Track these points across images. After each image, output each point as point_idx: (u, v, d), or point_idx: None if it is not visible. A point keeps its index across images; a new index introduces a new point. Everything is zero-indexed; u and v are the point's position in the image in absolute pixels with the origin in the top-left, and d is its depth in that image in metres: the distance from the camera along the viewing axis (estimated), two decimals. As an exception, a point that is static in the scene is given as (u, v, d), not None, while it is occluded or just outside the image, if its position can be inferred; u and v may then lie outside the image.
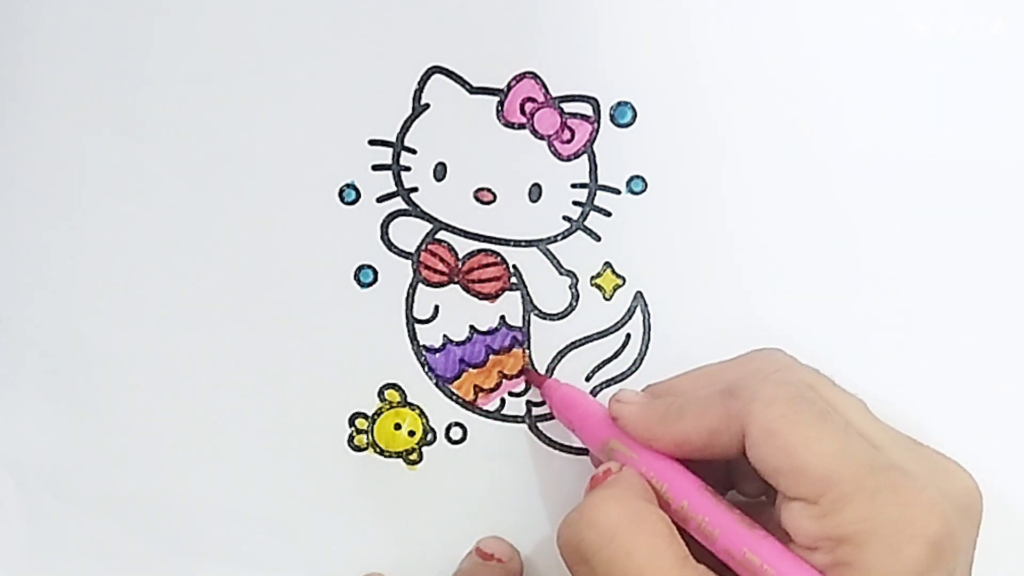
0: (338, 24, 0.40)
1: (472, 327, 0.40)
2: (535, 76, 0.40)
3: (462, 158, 0.40)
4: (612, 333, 0.40)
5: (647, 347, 0.40)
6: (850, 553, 0.29)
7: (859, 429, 0.32)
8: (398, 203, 0.40)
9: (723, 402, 0.32)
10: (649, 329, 0.40)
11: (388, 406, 0.40)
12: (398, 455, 0.40)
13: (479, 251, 0.40)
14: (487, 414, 0.40)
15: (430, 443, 0.40)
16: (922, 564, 0.29)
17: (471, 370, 0.40)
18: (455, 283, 0.40)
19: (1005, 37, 0.40)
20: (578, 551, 0.32)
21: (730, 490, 0.36)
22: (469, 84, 0.40)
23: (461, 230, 0.40)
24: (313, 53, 0.40)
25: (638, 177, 0.40)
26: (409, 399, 0.40)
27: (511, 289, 0.40)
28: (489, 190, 0.40)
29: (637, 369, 0.40)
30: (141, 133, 0.40)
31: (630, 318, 0.40)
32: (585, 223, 0.40)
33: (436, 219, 0.40)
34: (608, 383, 0.40)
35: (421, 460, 0.40)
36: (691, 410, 0.33)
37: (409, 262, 0.40)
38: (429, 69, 0.40)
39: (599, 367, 0.40)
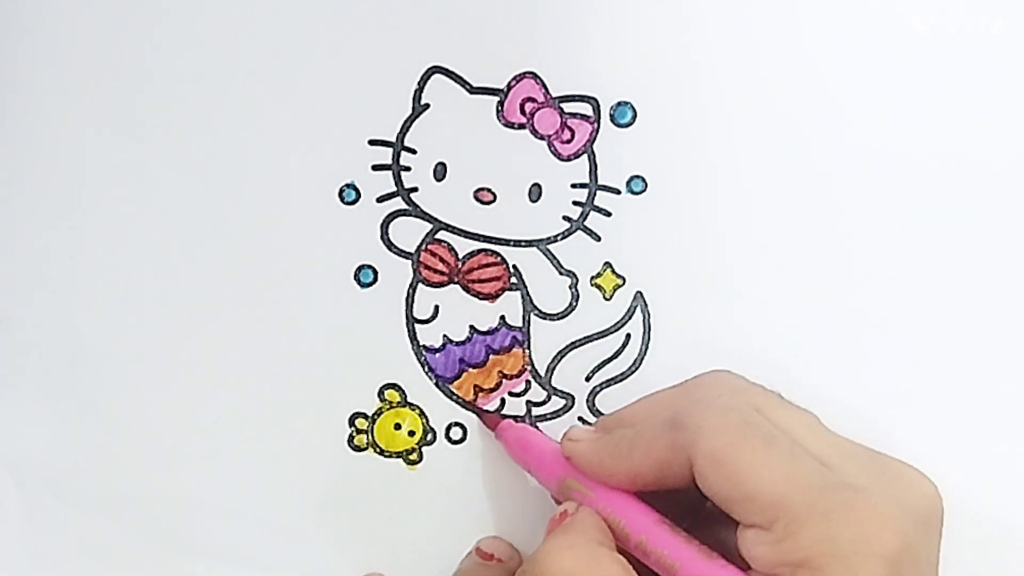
0: (338, 24, 0.40)
1: (472, 327, 0.40)
2: (535, 76, 0.40)
3: (462, 158, 0.40)
4: (612, 333, 0.40)
5: (647, 347, 0.40)
6: None
7: (810, 448, 0.31)
8: (398, 203, 0.40)
9: (669, 434, 0.32)
10: (649, 329, 0.40)
11: (388, 406, 0.40)
12: (398, 455, 0.40)
13: (479, 251, 0.40)
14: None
15: (430, 443, 0.40)
16: None
17: (471, 370, 0.40)
18: (455, 283, 0.40)
19: (1005, 37, 0.40)
20: None
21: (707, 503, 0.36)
22: (469, 84, 0.40)
23: (461, 230, 0.40)
24: (313, 53, 0.40)
25: (638, 177, 0.40)
26: (409, 399, 0.40)
27: (511, 289, 0.40)
28: (489, 190, 0.40)
29: (637, 369, 0.40)
30: (141, 133, 0.40)
31: (630, 318, 0.40)
32: (585, 223, 0.40)
33: (436, 219, 0.40)
34: (608, 383, 0.40)
35: (421, 460, 0.40)
36: (640, 444, 0.33)
37: (409, 262, 0.40)
38: (429, 69, 0.40)
39: (599, 367, 0.40)
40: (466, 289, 0.40)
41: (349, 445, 0.40)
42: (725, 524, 0.32)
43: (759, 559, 0.30)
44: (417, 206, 0.40)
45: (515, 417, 0.40)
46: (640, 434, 0.33)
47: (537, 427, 0.40)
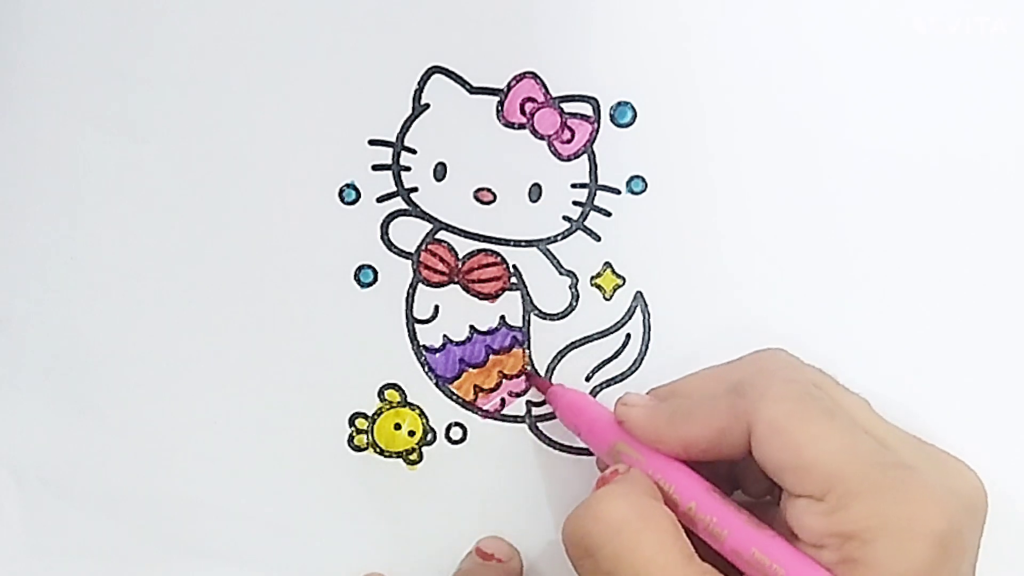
0: (338, 24, 0.40)
1: (472, 327, 0.40)
2: (535, 76, 0.40)
3: (462, 158, 0.40)
4: (612, 333, 0.40)
5: (647, 347, 0.40)
6: (857, 550, 0.29)
7: (865, 427, 0.32)
8: (398, 203, 0.40)
9: (729, 401, 0.32)
10: (649, 329, 0.40)
11: (388, 406, 0.40)
12: (398, 455, 0.40)
13: (479, 251, 0.40)
14: (487, 414, 0.40)
15: (430, 443, 0.40)
16: (929, 561, 0.29)
17: (471, 370, 0.40)
18: (455, 283, 0.40)
19: (1005, 37, 0.40)
20: (583, 545, 0.32)
21: (735, 491, 0.36)
22: (469, 84, 0.40)
23: (461, 230, 0.40)
24: (313, 53, 0.40)
25: (638, 177, 0.40)
26: (409, 399, 0.40)
27: (511, 289, 0.40)
28: (489, 190, 0.40)
29: (637, 369, 0.40)
30: (141, 133, 0.40)
31: (630, 318, 0.40)
32: (585, 223, 0.40)
33: (436, 219, 0.40)
34: (608, 383, 0.40)
35: (421, 460, 0.40)
36: (698, 411, 0.33)
37: (409, 262, 0.40)
38: (429, 69, 0.40)
39: (599, 367, 0.40)
40: (466, 289, 0.40)
41: (349, 445, 0.40)
42: (762, 509, 0.32)
43: (809, 529, 0.30)
44: (417, 206, 0.40)
45: (515, 417, 0.40)
46: (699, 401, 0.34)
47: (538, 427, 0.40)
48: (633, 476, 0.34)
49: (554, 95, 0.40)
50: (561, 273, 0.40)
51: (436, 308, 0.40)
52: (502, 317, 0.40)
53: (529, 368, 0.40)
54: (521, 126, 0.40)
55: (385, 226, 0.40)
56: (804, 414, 0.31)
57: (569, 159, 0.40)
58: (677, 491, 0.33)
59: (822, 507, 0.30)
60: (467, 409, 0.40)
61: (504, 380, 0.40)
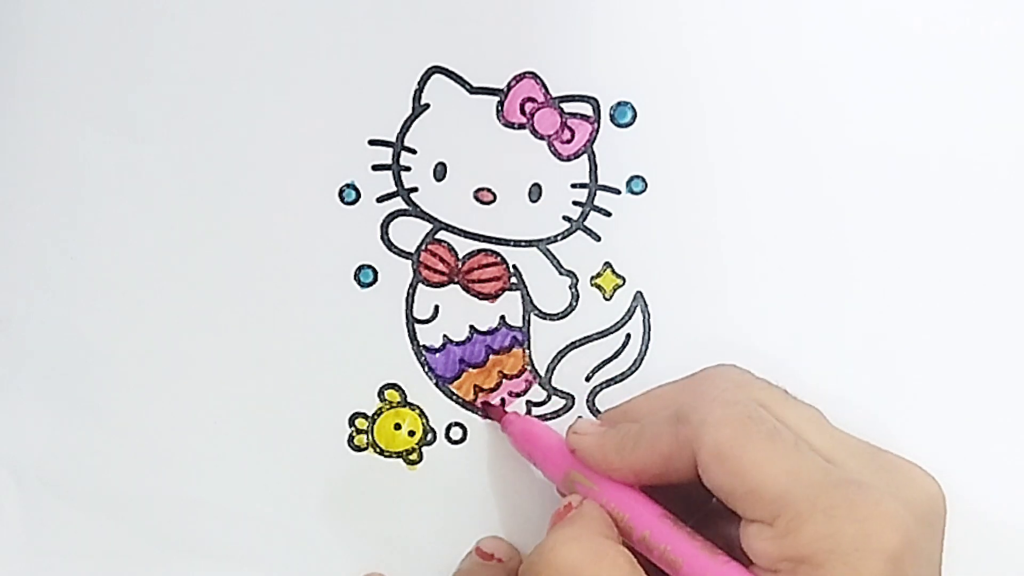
0: (338, 24, 0.40)
1: (472, 327, 0.40)
2: (535, 76, 0.40)
3: (462, 158, 0.40)
4: (612, 333, 0.40)
5: (647, 347, 0.40)
6: (810, 573, 0.29)
7: (813, 443, 0.31)
8: (398, 203, 0.40)
9: (673, 428, 0.32)
10: (649, 329, 0.40)
11: (388, 406, 0.40)
12: (398, 455, 0.40)
13: (479, 251, 0.40)
14: (487, 414, 0.40)
15: (430, 443, 0.40)
16: None
17: (471, 370, 0.40)
18: (455, 283, 0.40)
19: (1005, 37, 0.40)
20: None
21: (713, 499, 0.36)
22: (469, 84, 0.40)
23: (461, 230, 0.40)
24: (313, 53, 0.40)
25: (638, 177, 0.40)
26: (409, 399, 0.40)
27: (511, 289, 0.40)
28: (489, 190, 0.40)
29: (637, 369, 0.40)
30: (141, 133, 0.40)
31: (630, 318, 0.40)
32: (585, 223, 0.40)
33: (436, 219, 0.40)
34: (608, 383, 0.40)
35: (421, 460, 0.40)
36: (644, 438, 0.33)
37: (409, 262, 0.40)
38: (429, 69, 0.40)
39: (599, 367, 0.40)
40: (466, 289, 0.40)
41: (349, 445, 0.40)
42: (729, 520, 0.32)
43: (761, 554, 0.30)
44: (417, 206, 0.40)
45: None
46: (644, 428, 0.33)
47: (537, 427, 0.40)
48: (585, 513, 0.33)
49: (554, 95, 0.40)
50: (561, 273, 0.40)
51: (436, 308, 0.40)
52: (502, 317, 0.40)
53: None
54: (521, 126, 0.40)
55: (385, 226, 0.40)
56: (746, 439, 0.31)
57: (569, 159, 0.40)
58: (631, 520, 0.33)
59: (772, 532, 0.30)
60: (467, 409, 0.40)
61: (504, 380, 0.40)
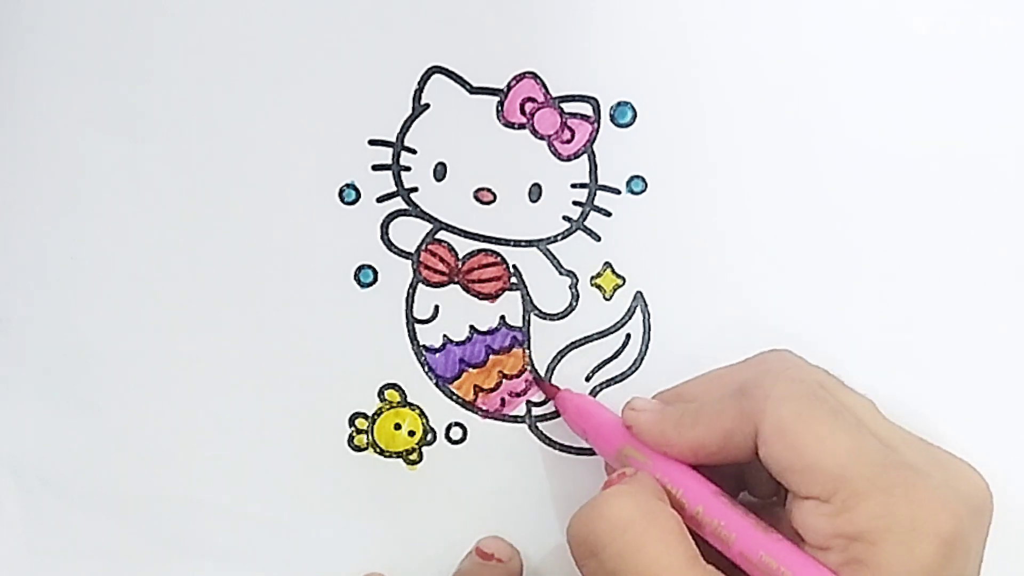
0: (338, 24, 0.40)
1: (472, 327, 0.40)
2: (535, 76, 0.40)
3: (462, 158, 0.40)
4: (612, 333, 0.40)
5: (647, 347, 0.40)
6: (863, 551, 0.29)
7: (870, 428, 0.32)
8: (398, 203, 0.40)
9: (736, 402, 0.33)
10: (649, 329, 0.40)
11: (388, 406, 0.40)
12: (398, 455, 0.40)
13: (479, 251, 0.40)
14: (487, 414, 0.40)
15: (430, 443, 0.40)
16: (935, 562, 0.29)
17: (471, 370, 0.40)
18: (455, 283, 0.40)
19: (1005, 37, 0.40)
20: (587, 544, 0.32)
21: (741, 492, 0.36)
22: (469, 84, 0.40)
23: (461, 230, 0.40)
24: (313, 53, 0.40)
25: (638, 177, 0.40)
26: (409, 399, 0.40)
27: (511, 289, 0.40)
28: (489, 190, 0.40)
29: (637, 369, 0.40)
30: (141, 133, 0.40)
31: (630, 318, 0.40)
32: (585, 223, 0.40)
33: (436, 219, 0.40)
34: (608, 383, 0.40)
35: (421, 460, 0.40)
36: (705, 414, 0.33)
37: (409, 262, 0.40)
38: (429, 69, 0.40)
39: (599, 367, 0.40)
40: (466, 289, 0.40)
41: (349, 445, 0.40)
42: (767, 509, 0.32)
43: (814, 530, 0.30)
44: (417, 206, 0.40)
45: (515, 417, 0.40)
46: (706, 404, 0.34)
47: (538, 427, 0.40)
48: (640, 478, 0.34)
49: (554, 95, 0.40)
50: (561, 273, 0.40)
51: (436, 308, 0.40)
52: (502, 317, 0.40)
53: (532, 372, 0.40)
54: (521, 126, 0.40)
55: (385, 226, 0.40)
56: (810, 415, 0.31)
57: (569, 159, 0.40)
58: (685, 495, 0.33)
59: (828, 508, 0.30)
60: (467, 409, 0.40)
61: (504, 380, 0.40)
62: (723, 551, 0.32)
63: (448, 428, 0.40)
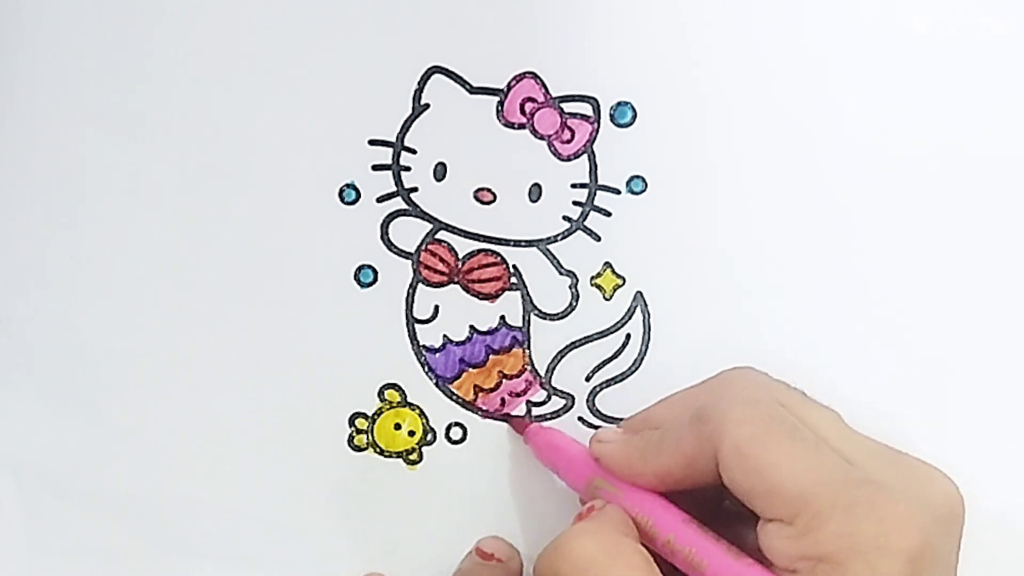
0: (338, 24, 0.40)
1: (472, 327, 0.40)
2: (535, 76, 0.40)
3: (462, 158, 0.40)
4: (612, 333, 0.40)
5: (647, 347, 0.40)
6: (829, 572, 0.29)
7: (833, 444, 0.31)
8: (398, 203, 0.40)
9: (695, 428, 0.32)
10: (649, 329, 0.40)
11: (388, 406, 0.40)
12: (398, 455, 0.40)
13: (479, 251, 0.40)
14: (487, 414, 0.40)
15: (430, 443, 0.40)
16: None
17: (471, 370, 0.40)
18: (455, 283, 0.40)
19: (1005, 37, 0.40)
20: None
21: (724, 501, 0.36)
22: (469, 84, 0.40)
23: (461, 230, 0.40)
24: (313, 53, 0.40)
25: (638, 177, 0.40)
26: (409, 399, 0.40)
27: (511, 289, 0.40)
28: (489, 190, 0.40)
29: (637, 369, 0.40)
30: (141, 133, 0.40)
31: (630, 318, 0.40)
32: (585, 223, 0.40)
33: (436, 219, 0.40)
34: (608, 383, 0.40)
35: (421, 460, 0.40)
36: (667, 442, 0.33)
37: (409, 262, 0.40)
38: (429, 69, 0.40)
39: (599, 367, 0.40)
40: (466, 289, 0.40)
41: (349, 445, 0.40)
42: (743, 528, 0.32)
43: (780, 553, 0.30)
44: (417, 206, 0.40)
45: (518, 418, 0.40)
46: (667, 432, 0.34)
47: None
48: (607, 513, 0.33)
49: (554, 95, 0.40)
50: (561, 273, 0.40)
51: (436, 308, 0.40)
52: (502, 317, 0.40)
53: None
54: (521, 126, 0.40)
55: (385, 226, 0.40)
56: (767, 437, 0.31)
57: (569, 159, 0.40)
58: (655, 524, 0.33)
59: (792, 531, 0.30)
60: (467, 409, 0.40)
61: (504, 380, 0.40)
62: None
63: (448, 428, 0.40)
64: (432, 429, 0.40)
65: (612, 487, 0.35)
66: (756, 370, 0.35)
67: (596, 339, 0.40)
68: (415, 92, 0.40)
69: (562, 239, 0.40)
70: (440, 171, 0.40)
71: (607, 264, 0.40)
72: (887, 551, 0.29)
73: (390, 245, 0.40)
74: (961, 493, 0.32)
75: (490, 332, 0.40)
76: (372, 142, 0.40)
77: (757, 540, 0.31)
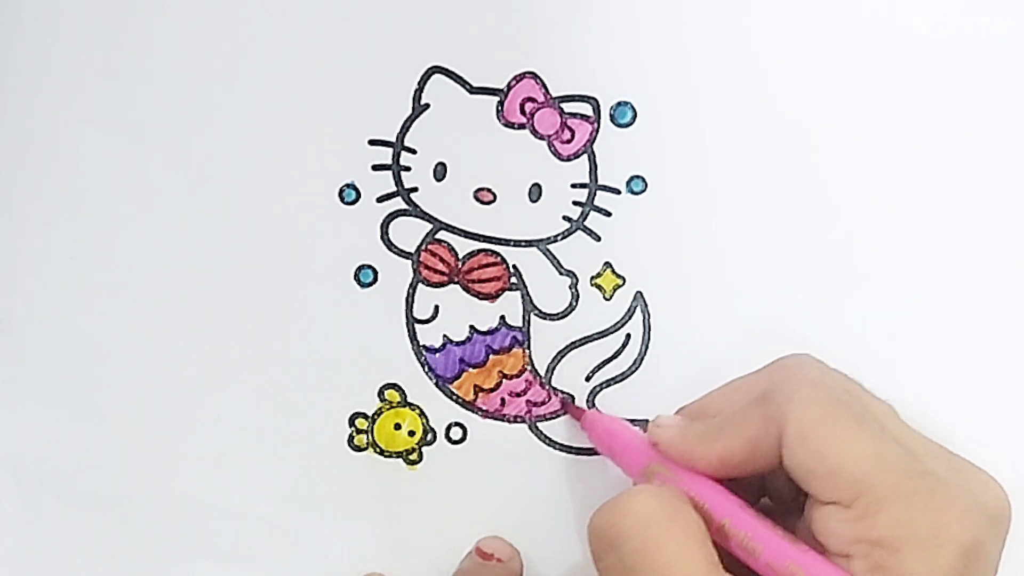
0: (338, 24, 0.40)
1: (472, 327, 0.40)
2: (535, 76, 0.40)
3: (462, 158, 0.40)
4: (612, 333, 0.40)
5: (647, 347, 0.40)
6: (886, 558, 0.29)
7: (892, 434, 0.32)
8: (398, 203, 0.40)
9: (759, 409, 0.32)
10: (649, 329, 0.40)
11: (388, 406, 0.40)
12: (398, 455, 0.40)
13: (479, 251, 0.40)
14: (487, 414, 0.40)
15: (430, 443, 0.40)
16: (956, 571, 0.29)
17: (471, 370, 0.40)
18: (455, 283, 0.40)
19: (1005, 37, 0.40)
20: (607, 538, 0.31)
21: (762, 498, 0.36)
22: (469, 84, 0.40)
23: (461, 230, 0.40)
24: (313, 53, 0.40)
25: (638, 177, 0.40)
26: (409, 399, 0.40)
27: (511, 289, 0.40)
28: (489, 190, 0.40)
29: (637, 369, 0.40)
30: (141, 133, 0.40)
31: (630, 318, 0.40)
32: (585, 223, 0.40)
33: (436, 219, 0.40)
34: (608, 383, 0.40)
35: (421, 460, 0.40)
36: (730, 424, 0.33)
37: (409, 262, 0.40)
38: (429, 69, 0.40)
39: (599, 367, 0.40)
40: (466, 289, 0.40)
41: (349, 445, 0.40)
42: (782, 522, 0.32)
43: (836, 535, 0.30)
44: (417, 206, 0.40)
45: (515, 417, 0.40)
46: (729, 417, 0.34)
47: (538, 427, 0.40)
48: (666, 484, 0.34)
49: (554, 95, 0.40)
50: (561, 273, 0.40)
51: (436, 308, 0.40)
52: (502, 317, 0.40)
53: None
54: (521, 126, 0.40)
55: (385, 226, 0.40)
56: (833, 419, 0.31)
57: (569, 159, 0.40)
58: (711, 508, 0.33)
59: (849, 514, 0.30)
60: (467, 409, 0.40)
61: (504, 380, 0.40)
62: (750, 563, 0.32)
63: (448, 428, 0.40)
64: (432, 429, 0.40)
65: (669, 472, 0.34)
66: (814, 357, 0.35)
67: (596, 339, 0.40)
68: (415, 92, 0.40)
69: (562, 239, 0.40)
70: (440, 171, 0.40)
71: (607, 264, 0.40)
72: (944, 541, 0.29)
73: (390, 245, 0.40)
74: (1008, 499, 0.32)
75: (490, 332, 0.40)
76: (372, 142, 0.40)
77: (805, 528, 0.31)
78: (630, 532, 0.31)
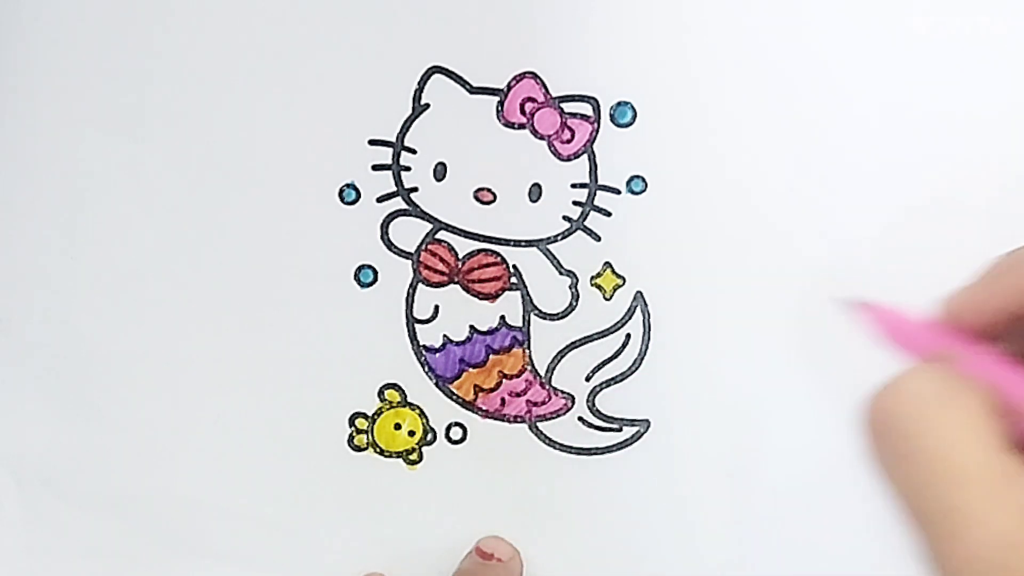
0: (338, 24, 0.40)
1: (472, 327, 0.40)
2: (535, 76, 0.40)
3: (462, 158, 0.40)
4: (612, 333, 0.40)
5: (647, 347, 0.40)
6: None
7: None
8: (398, 203, 0.40)
9: None
10: (649, 329, 0.40)
11: (388, 406, 0.40)
12: (398, 455, 0.40)
13: (479, 251, 0.40)
14: (487, 414, 0.40)
15: (430, 443, 0.40)
16: None
17: (471, 370, 0.40)
18: (455, 283, 0.40)
19: (1005, 37, 0.40)
20: (882, 421, 0.28)
21: None
22: (469, 84, 0.40)
23: (461, 230, 0.40)
24: (313, 53, 0.40)
25: (638, 177, 0.40)
26: (409, 399, 0.40)
27: (511, 289, 0.40)
28: (489, 190, 0.40)
29: (637, 369, 0.40)
30: (141, 133, 0.40)
31: (630, 318, 0.40)
32: (585, 223, 0.40)
33: (436, 219, 0.40)
34: (608, 383, 0.40)
35: (421, 460, 0.40)
36: (1016, 255, 0.30)
37: (409, 262, 0.40)
38: (429, 69, 0.40)
39: (599, 367, 0.40)
40: (466, 289, 0.40)
41: (349, 445, 0.40)
42: None
43: None
44: (417, 206, 0.40)
45: (515, 417, 0.40)
46: (1013, 256, 0.30)
47: (538, 427, 0.40)
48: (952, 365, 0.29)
49: (554, 95, 0.40)
50: (561, 273, 0.40)
51: (436, 308, 0.40)
52: (502, 317, 0.40)
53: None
54: (521, 126, 0.40)
55: (385, 226, 0.40)
56: None
57: (569, 159, 0.40)
58: (1007, 388, 0.28)
59: None
60: (467, 409, 0.40)
61: (504, 380, 0.40)
62: None
63: (448, 428, 0.40)
64: (432, 429, 0.40)
65: (958, 356, 0.29)
66: None
67: (596, 339, 0.40)
68: (415, 92, 0.40)
69: (562, 239, 0.40)
70: (440, 171, 0.40)
71: (607, 264, 0.40)
72: None
73: (390, 245, 0.40)
74: None
75: (490, 332, 0.40)
76: (372, 142, 0.40)
77: None
78: (905, 415, 0.27)
